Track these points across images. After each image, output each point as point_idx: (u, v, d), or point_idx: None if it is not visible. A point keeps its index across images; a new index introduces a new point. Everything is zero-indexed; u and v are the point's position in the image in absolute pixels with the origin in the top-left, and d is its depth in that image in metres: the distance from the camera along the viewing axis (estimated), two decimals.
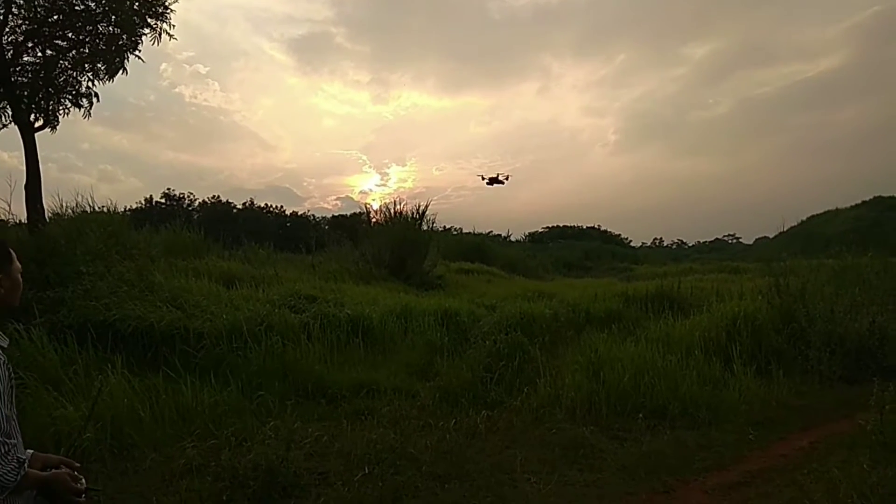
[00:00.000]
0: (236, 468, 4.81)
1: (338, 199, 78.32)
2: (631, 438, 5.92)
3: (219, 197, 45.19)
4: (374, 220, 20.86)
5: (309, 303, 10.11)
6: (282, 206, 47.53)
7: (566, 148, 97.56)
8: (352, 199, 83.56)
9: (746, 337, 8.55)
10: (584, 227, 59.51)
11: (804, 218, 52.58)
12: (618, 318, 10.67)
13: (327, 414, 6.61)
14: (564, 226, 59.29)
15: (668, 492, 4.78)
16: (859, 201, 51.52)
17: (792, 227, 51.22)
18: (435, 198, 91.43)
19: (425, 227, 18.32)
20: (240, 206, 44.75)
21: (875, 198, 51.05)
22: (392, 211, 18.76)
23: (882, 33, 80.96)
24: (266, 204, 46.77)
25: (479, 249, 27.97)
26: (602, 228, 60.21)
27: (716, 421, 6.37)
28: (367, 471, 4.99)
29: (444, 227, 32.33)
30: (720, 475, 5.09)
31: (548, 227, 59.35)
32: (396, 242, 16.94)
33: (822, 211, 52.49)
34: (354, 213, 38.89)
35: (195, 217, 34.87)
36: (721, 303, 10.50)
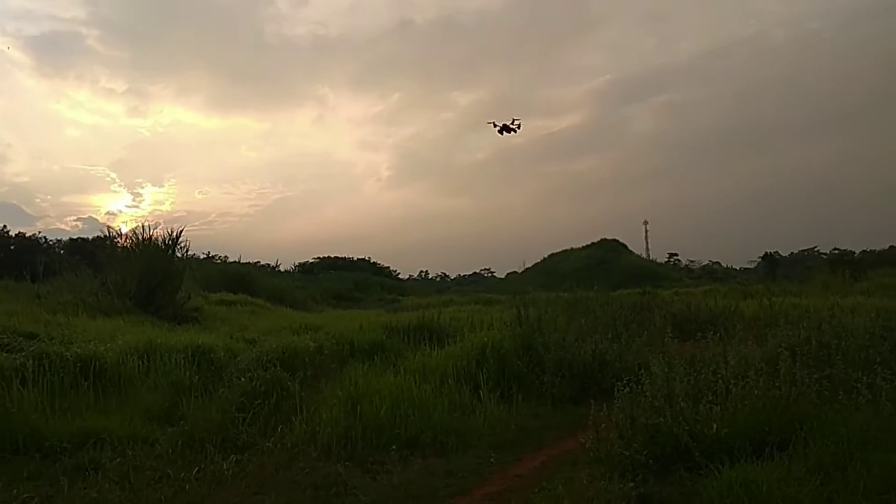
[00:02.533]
0: None
1: (78, 219, 69.36)
2: (384, 471, 5.97)
3: None
4: (120, 244, 18.67)
5: (28, 340, 8.79)
6: (5, 226, 40.40)
7: (340, 179, 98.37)
8: (96, 220, 75.17)
9: (493, 364, 9.19)
10: (355, 258, 60.21)
11: (546, 255, 60.50)
12: (381, 349, 10.84)
13: (41, 471, 5.79)
14: (335, 257, 59.31)
15: None
16: (590, 242, 60.80)
17: (536, 264, 58.45)
18: (197, 223, 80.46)
19: (180, 255, 16.89)
20: None
21: (602, 240, 60.88)
22: (142, 235, 16.97)
23: (613, 98, 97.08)
24: None
25: (244, 280, 26.91)
26: (372, 260, 61.45)
27: (462, 447, 6.72)
28: None
29: (207, 254, 30.35)
30: (462, 500, 5.36)
31: (318, 258, 58.87)
32: (145, 271, 15.40)
33: (560, 250, 60.80)
34: (98, 237, 34.54)
35: None
36: (473, 333, 11.26)
